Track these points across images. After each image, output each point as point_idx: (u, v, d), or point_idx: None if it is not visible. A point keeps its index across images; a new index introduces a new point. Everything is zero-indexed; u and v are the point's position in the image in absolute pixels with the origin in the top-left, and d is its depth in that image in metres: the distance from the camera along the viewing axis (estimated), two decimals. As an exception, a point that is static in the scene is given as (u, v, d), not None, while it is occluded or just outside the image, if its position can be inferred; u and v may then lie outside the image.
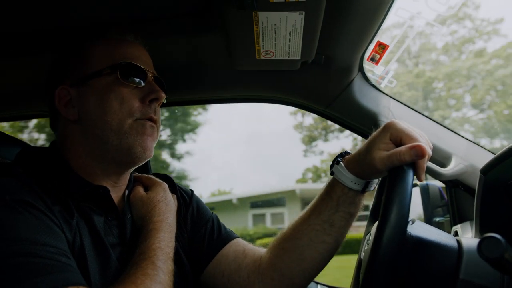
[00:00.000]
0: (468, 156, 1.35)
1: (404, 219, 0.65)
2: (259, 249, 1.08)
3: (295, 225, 1.00)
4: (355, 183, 0.89)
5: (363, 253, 1.12)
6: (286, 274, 0.99)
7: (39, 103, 0.99)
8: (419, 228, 0.85)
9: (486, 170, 1.04)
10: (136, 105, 0.90)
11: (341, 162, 0.91)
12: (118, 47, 0.94)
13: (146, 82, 0.93)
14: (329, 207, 0.93)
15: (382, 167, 0.80)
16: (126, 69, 0.90)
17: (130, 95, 0.90)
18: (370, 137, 0.86)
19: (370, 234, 1.09)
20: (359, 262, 1.15)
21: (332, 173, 0.93)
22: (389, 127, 0.81)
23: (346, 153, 0.94)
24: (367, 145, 0.85)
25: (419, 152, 0.73)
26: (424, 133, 0.83)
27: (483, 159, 1.23)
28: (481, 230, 1.04)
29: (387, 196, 0.69)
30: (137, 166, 0.96)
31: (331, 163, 0.95)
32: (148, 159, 0.94)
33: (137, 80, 0.92)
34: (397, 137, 0.79)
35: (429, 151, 0.76)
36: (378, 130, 0.85)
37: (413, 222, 0.89)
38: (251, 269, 1.03)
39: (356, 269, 1.17)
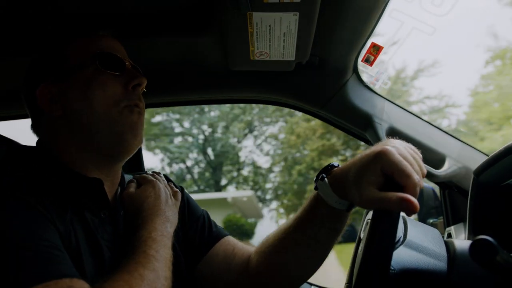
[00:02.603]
0: (462, 158, 1.35)
1: (385, 266, 0.62)
2: (248, 248, 1.08)
3: (280, 237, 0.97)
4: (339, 203, 0.84)
5: (362, 233, 1.11)
6: (271, 282, 1.00)
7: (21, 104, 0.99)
8: (405, 252, 0.83)
9: (479, 171, 1.05)
10: (120, 91, 0.91)
11: (325, 179, 0.85)
12: (93, 41, 0.95)
13: (125, 69, 0.94)
14: (313, 224, 0.90)
15: (368, 207, 0.76)
16: (104, 59, 0.91)
17: (112, 82, 0.90)
18: (359, 162, 0.76)
19: (367, 223, 1.08)
20: (356, 249, 1.15)
21: (316, 188, 0.88)
22: (381, 157, 0.71)
23: (332, 166, 0.87)
24: (356, 174, 0.75)
25: (410, 208, 0.65)
26: (418, 154, 0.76)
27: (476, 160, 1.24)
28: (474, 231, 1.04)
29: (370, 237, 0.65)
30: (128, 158, 0.96)
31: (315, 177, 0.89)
32: (138, 147, 0.95)
33: (117, 68, 0.92)
34: (388, 171, 0.70)
35: (422, 184, 0.70)
36: (369, 155, 0.73)
37: (404, 239, 0.87)
38: (239, 271, 1.03)
39: (352, 260, 1.17)
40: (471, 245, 0.51)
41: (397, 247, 0.86)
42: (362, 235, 1.12)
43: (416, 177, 0.69)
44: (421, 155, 0.76)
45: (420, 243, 0.87)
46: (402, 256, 0.82)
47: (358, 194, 0.73)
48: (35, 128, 0.97)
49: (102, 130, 0.88)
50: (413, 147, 0.77)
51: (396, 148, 0.72)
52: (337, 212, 0.86)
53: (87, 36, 0.96)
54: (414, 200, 0.66)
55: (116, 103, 0.89)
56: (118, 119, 0.89)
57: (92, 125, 0.88)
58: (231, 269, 1.03)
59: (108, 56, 0.92)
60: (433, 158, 1.36)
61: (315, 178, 0.89)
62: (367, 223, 1.09)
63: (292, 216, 0.97)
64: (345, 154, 18.03)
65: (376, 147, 0.74)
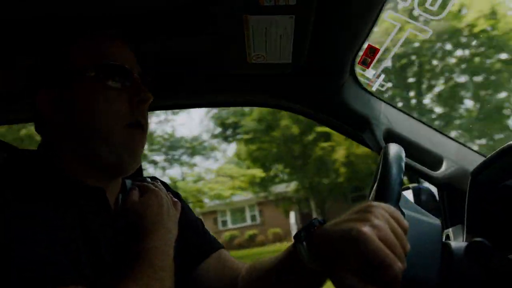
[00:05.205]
0: (459, 159, 1.35)
1: None
2: (239, 266, 1.06)
3: (263, 272, 0.95)
4: (319, 266, 0.75)
5: None
6: None
7: (26, 107, 0.97)
8: None
9: (477, 173, 1.05)
10: (124, 107, 0.87)
11: (304, 243, 0.75)
12: (100, 45, 0.90)
13: (132, 82, 0.90)
14: (293, 273, 0.85)
15: None
16: (110, 70, 0.87)
17: (116, 97, 0.87)
18: (335, 242, 0.67)
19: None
20: None
21: (294, 246, 0.80)
22: (357, 244, 0.62)
23: (312, 225, 0.78)
24: (330, 255, 0.69)
25: None
26: (402, 225, 0.66)
27: (474, 162, 1.24)
28: (471, 233, 1.04)
29: None
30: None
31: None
32: (137, 167, 0.93)
33: (123, 80, 0.88)
34: (366, 259, 0.62)
35: (403, 267, 0.62)
36: (344, 237, 0.65)
37: None
38: None
39: None
40: (466, 247, 0.52)
41: None
42: None
43: (397, 267, 0.61)
44: (407, 225, 0.67)
45: (409, 266, 0.85)
46: None
47: (332, 277, 0.66)
48: (38, 129, 0.95)
49: (101, 149, 0.86)
50: (397, 215, 0.67)
51: (376, 227, 0.63)
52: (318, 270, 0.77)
53: (94, 38, 0.91)
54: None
55: (119, 119, 0.86)
56: (119, 139, 0.86)
57: (93, 141, 0.86)
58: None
59: (116, 68, 0.87)
60: (430, 159, 1.37)
61: (294, 235, 0.79)
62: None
63: (273, 257, 0.93)
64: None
65: (354, 225, 0.64)
